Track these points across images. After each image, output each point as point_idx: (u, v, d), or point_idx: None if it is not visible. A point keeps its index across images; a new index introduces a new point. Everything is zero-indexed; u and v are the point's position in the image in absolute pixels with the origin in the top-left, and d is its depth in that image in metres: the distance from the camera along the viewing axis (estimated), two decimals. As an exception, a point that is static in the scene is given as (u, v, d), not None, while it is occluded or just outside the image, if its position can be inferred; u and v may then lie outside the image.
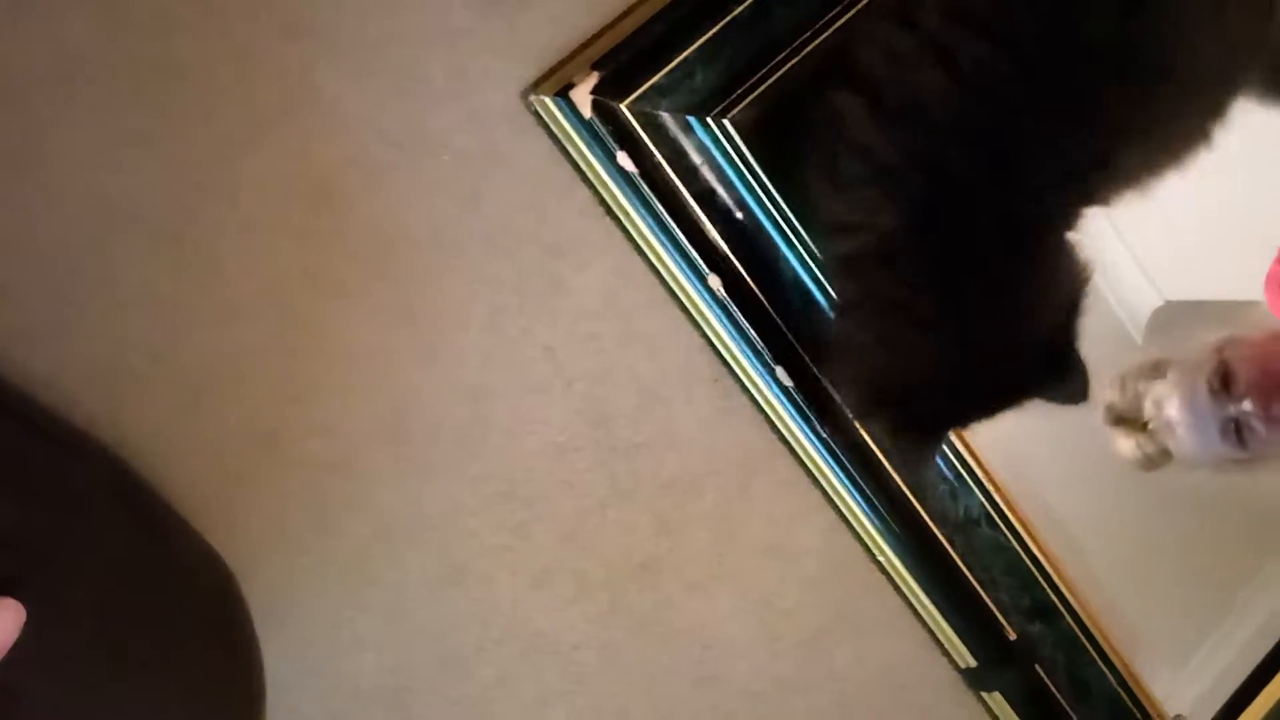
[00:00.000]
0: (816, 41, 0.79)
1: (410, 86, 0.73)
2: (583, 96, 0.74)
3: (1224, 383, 1.23)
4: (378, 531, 0.76)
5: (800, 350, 0.81)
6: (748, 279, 0.79)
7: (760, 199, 0.79)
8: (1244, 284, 1.38)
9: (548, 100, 0.75)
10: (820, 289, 0.81)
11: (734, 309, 0.79)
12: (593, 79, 0.74)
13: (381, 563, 0.76)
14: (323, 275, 0.72)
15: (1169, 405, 1.25)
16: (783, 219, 0.80)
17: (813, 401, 0.82)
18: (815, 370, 0.81)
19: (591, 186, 0.78)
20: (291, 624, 0.75)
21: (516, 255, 0.78)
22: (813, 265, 0.80)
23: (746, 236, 0.79)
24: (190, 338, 0.70)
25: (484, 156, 0.76)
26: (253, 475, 0.73)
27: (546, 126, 0.76)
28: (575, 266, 0.79)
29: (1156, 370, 1.32)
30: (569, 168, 0.78)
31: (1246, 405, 1.19)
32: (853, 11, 0.79)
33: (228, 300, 0.70)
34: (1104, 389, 1.36)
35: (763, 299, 0.80)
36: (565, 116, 0.75)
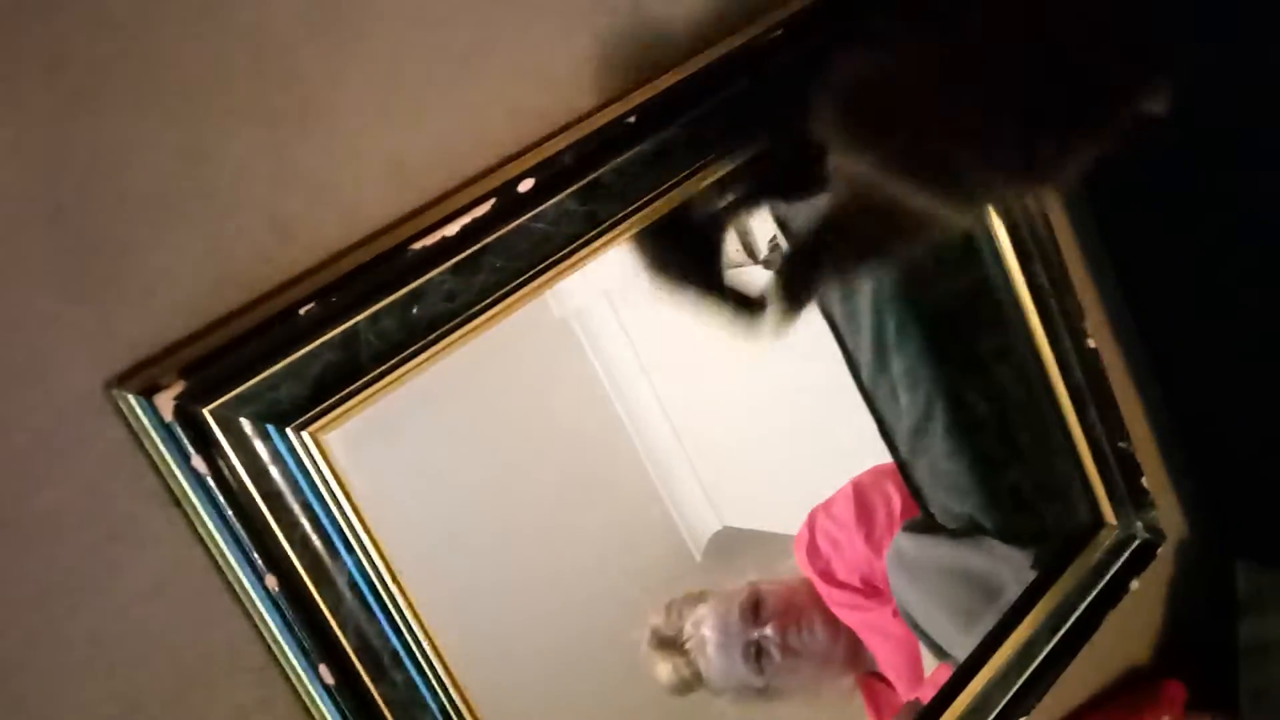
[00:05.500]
0: (402, 370, 0.88)
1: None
2: (166, 401, 0.78)
3: (754, 608, 1.42)
4: None
5: (348, 650, 0.86)
6: (305, 580, 0.84)
7: (327, 507, 0.85)
8: (791, 521, 1.54)
9: (130, 397, 0.78)
10: (373, 593, 0.87)
11: (285, 607, 0.84)
12: (178, 386, 0.78)
13: None
14: None
15: (705, 624, 1.42)
16: (347, 526, 0.86)
17: (353, 700, 0.86)
18: (359, 670, 0.86)
19: (161, 477, 0.81)
20: None
21: (75, 536, 0.78)
22: (369, 573, 0.86)
23: (309, 541, 0.84)
24: None
25: (56, 438, 0.77)
26: None
27: (125, 419, 0.79)
28: (133, 549, 0.81)
29: (700, 598, 1.51)
30: (142, 458, 0.80)
31: (769, 630, 1.38)
32: (432, 351, 0.89)
33: None
34: (651, 615, 1.52)
35: (317, 598, 0.85)
36: (146, 415, 0.78)
